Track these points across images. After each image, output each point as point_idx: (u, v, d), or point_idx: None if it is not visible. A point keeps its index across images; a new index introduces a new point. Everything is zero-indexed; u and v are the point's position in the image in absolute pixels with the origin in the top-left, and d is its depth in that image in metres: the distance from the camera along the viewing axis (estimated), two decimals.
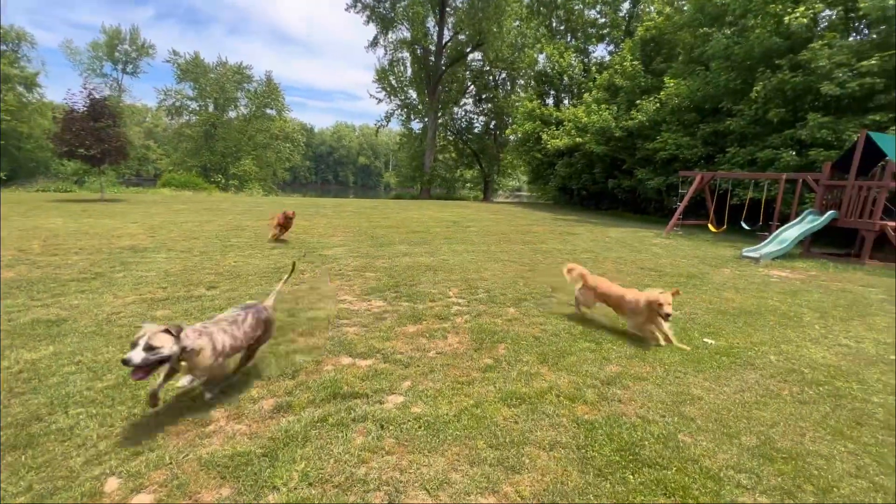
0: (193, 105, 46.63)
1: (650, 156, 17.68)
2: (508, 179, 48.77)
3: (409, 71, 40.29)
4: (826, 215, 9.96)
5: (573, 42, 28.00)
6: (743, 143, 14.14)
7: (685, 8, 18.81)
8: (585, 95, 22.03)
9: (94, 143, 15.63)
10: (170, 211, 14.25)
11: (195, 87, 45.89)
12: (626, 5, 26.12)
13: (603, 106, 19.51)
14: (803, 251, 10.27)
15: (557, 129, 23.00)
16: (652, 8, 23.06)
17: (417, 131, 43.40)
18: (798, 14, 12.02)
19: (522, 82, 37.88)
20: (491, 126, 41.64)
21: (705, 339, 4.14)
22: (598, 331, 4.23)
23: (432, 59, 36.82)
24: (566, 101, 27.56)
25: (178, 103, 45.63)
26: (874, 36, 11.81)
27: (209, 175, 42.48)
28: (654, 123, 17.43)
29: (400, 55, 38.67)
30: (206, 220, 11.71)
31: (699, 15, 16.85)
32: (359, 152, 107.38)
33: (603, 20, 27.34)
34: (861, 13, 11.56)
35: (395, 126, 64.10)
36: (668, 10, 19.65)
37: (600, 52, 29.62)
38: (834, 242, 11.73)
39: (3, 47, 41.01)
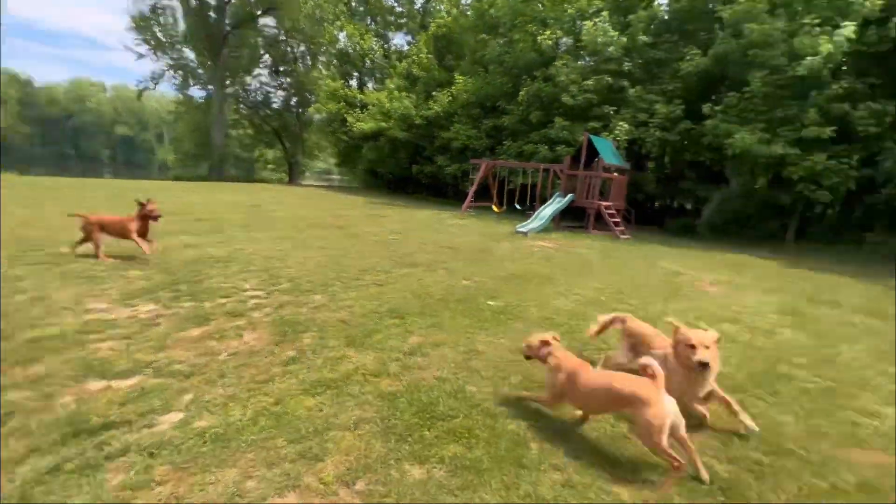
0: None
1: (446, 144, 19.56)
2: (315, 161, 46.46)
3: (183, 25, 33.43)
4: (567, 197, 13.05)
5: (373, 26, 28.19)
6: (514, 138, 17.08)
7: (468, 13, 21.21)
8: (387, 81, 22.62)
9: None
10: None
11: None
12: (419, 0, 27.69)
13: (403, 94, 20.44)
14: (555, 225, 13.22)
15: (363, 112, 23.01)
16: (441, 7, 25.12)
17: (200, 100, 36.72)
18: (545, 36, 15.08)
19: (324, 59, 36.22)
20: (292, 102, 38.59)
21: (489, 302, 4.90)
22: (405, 307, 4.49)
23: (213, 15, 31.42)
24: (370, 85, 27.73)
25: None
26: (592, 62, 15.83)
27: None
28: (448, 115, 19.28)
29: (166, 1, 31.66)
30: None
31: (479, 22, 19.28)
32: (114, 120, 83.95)
33: (400, 9, 28.35)
34: (583, 44, 15.31)
35: (168, 90, 52.34)
36: (455, 11, 21.77)
37: (398, 40, 30.80)
38: (576, 217, 15.50)
39: None
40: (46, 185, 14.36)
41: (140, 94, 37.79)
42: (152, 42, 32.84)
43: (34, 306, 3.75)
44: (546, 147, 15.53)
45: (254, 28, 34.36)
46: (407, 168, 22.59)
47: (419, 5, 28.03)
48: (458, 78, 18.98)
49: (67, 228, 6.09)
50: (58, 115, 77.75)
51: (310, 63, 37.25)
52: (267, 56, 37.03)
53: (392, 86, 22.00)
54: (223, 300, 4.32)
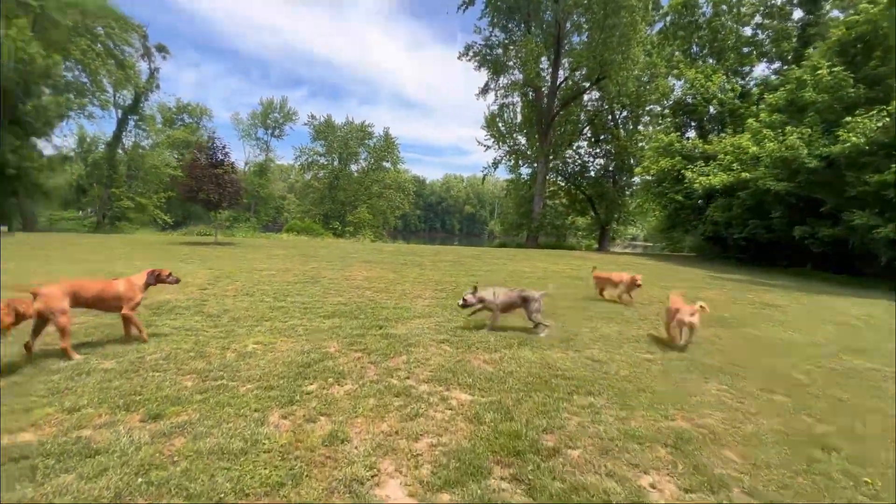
0: (322, 160, 51.46)
1: (873, 193, 12.20)
2: (629, 227, 42.93)
3: (519, 117, 38.94)
4: None
5: (719, 65, 23.33)
6: None
7: None
8: (750, 121, 17.19)
9: (213, 188, 16.14)
10: (265, 256, 13.46)
11: (325, 144, 50.77)
12: (798, 13, 20.96)
13: (787, 129, 14.57)
14: None
15: (707, 165, 18.32)
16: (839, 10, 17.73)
17: (526, 177, 41.11)
18: None
19: (648, 119, 33.53)
20: (610, 168, 37.38)
21: None
22: None
23: (545, 101, 34.94)
24: (714, 133, 22.55)
25: (310, 159, 50.84)
26: None
27: (329, 222, 45.46)
28: (880, 147, 12.09)
29: (510, 100, 37.61)
30: (285, 269, 10.22)
31: None
32: (465, 201, 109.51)
33: (762, 35, 22.37)
34: None
35: (503, 174, 62.94)
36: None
37: (759, 71, 24.19)
38: None
39: (188, 119, 50.87)
40: (415, 251, 17.54)
41: (484, 178, 46.17)
42: (496, 134, 39.67)
43: None
44: None
45: (579, 104, 36.02)
46: (782, 230, 15.83)
47: (796, 20, 21.21)
48: None
49: (410, 295, 5.38)
50: (435, 200, 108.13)
51: (631, 127, 35.53)
52: (587, 128, 37.95)
53: (757, 124, 16.47)
54: None
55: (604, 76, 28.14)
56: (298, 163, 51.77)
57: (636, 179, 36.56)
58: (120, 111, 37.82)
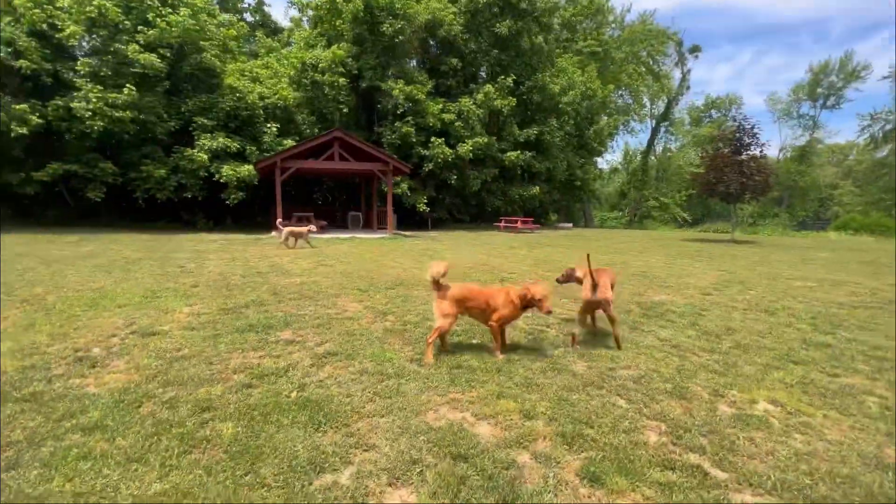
0: None
1: None
2: None
3: None
4: None
5: None
6: None
7: None
8: None
9: (734, 178, 14.08)
10: (797, 260, 10.10)
11: None
12: None
13: None
14: None
15: None
16: None
17: None
18: None
19: None
20: None
21: None
22: None
23: None
24: None
25: (885, 127, 35.47)
26: None
27: None
28: None
29: None
30: (834, 281, 6.85)
31: None
32: None
33: None
34: None
35: None
36: None
37: None
38: None
39: (716, 115, 49.15)
40: None
41: None
42: None
43: None
44: None
45: None
46: None
47: None
48: None
49: None
50: None
51: None
52: None
53: None
54: None
55: None
56: (863, 137, 37.24)
57: None
58: (654, 121, 42.26)
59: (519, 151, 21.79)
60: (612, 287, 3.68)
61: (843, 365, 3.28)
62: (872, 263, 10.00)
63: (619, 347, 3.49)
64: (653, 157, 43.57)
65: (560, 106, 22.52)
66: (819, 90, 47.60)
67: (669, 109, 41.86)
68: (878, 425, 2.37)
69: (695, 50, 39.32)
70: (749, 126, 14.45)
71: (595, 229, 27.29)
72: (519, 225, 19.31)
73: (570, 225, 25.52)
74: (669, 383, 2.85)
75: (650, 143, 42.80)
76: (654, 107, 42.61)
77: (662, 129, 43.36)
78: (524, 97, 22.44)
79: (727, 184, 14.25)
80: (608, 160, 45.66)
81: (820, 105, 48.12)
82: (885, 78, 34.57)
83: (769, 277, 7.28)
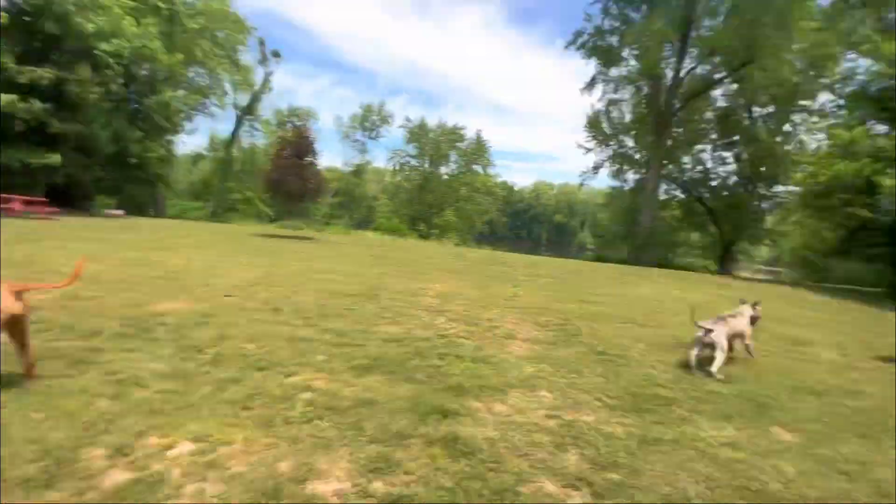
0: (413, 162, 51.73)
1: None
2: (765, 248, 35.55)
3: (629, 115, 34.35)
4: None
5: None
6: None
7: None
8: None
9: (295, 181, 15.38)
10: (335, 254, 12.05)
11: (417, 146, 50.94)
12: None
13: None
14: None
15: None
16: None
17: (631, 184, 36.13)
18: None
19: (800, 117, 26.81)
20: (743, 176, 31.03)
21: None
22: None
23: (663, 97, 30.00)
24: None
25: (402, 160, 51.44)
26: None
27: (415, 223, 45.13)
28: None
29: (620, 96, 33.23)
30: (348, 273, 8.42)
31: None
32: (555, 210, 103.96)
33: None
34: None
35: (600, 182, 56.79)
36: None
37: None
38: None
39: (298, 122, 54.37)
40: (505, 261, 15.00)
41: (581, 184, 41.77)
42: (599, 136, 35.43)
43: None
44: None
45: (705, 99, 30.45)
46: None
47: None
48: None
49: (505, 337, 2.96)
50: (523, 207, 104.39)
51: (773, 126, 28.96)
52: (715, 129, 31.96)
53: None
54: None
55: (749, 62, 22.87)
56: (391, 164, 52.61)
57: (779, 189, 29.84)
58: (238, 112, 41.31)
59: (19, 96, 14.67)
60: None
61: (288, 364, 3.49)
62: (382, 256, 13.44)
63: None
64: (237, 150, 42.66)
65: (97, 53, 16.99)
66: (367, 123, 62.88)
67: (254, 104, 42.19)
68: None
69: (276, 54, 41.57)
70: (308, 137, 16.34)
71: (164, 220, 23.04)
72: (16, 207, 12.96)
73: (123, 212, 20.15)
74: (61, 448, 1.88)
75: (234, 134, 41.68)
76: (236, 96, 41.64)
77: (247, 124, 43.20)
78: (28, 18, 15.34)
79: (289, 184, 15.42)
80: (194, 145, 40.61)
81: (368, 135, 63.61)
82: (400, 126, 50.61)
83: (300, 272, 7.97)
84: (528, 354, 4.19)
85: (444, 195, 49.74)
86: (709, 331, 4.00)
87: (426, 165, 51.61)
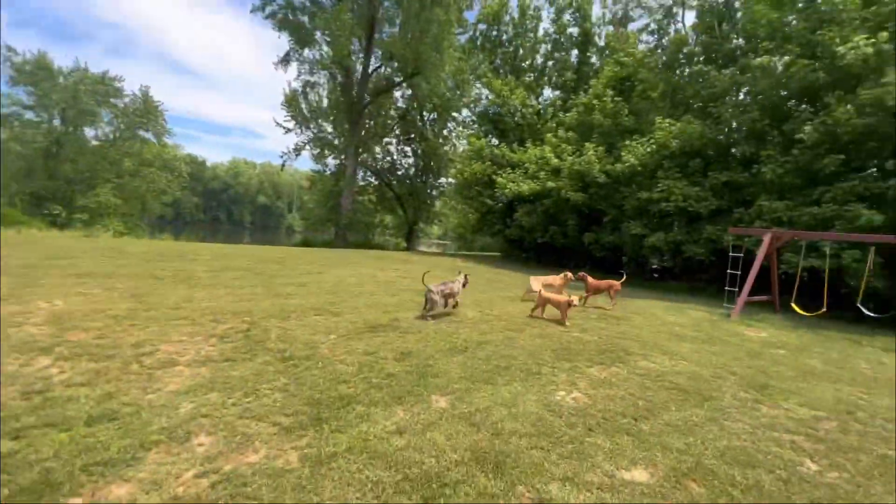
0: (31, 115, 35.65)
1: (643, 206, 14.46)
2: (435, 227, 44.81)
3: (326, 100, 35.11)
4: None
5: (519, 82, 25.62)
6: (782, 196, 11.30)
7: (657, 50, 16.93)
8: (549, 136, 18.84)
9: None
10: None
11: (35, 93, 35.28)
12: (574, 52, 24.62)
13: (588, 146, 16.03)
14: None
15: (513, 172, 19.36)
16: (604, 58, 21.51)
17: (333, 169, 37.55)
18: (861, 40, 9.66)
19: (452, 125, 34.95)
20: (418, 168, 37.68)
21: None
22: None
23: (356, 88, 32.22)
24: (516, 144, 24.57)
25: (7, 111, 34.34)
26: None
27: (43, 206, 31.37)
28: (649, 169, 14.38)
29: (316, 79, 33.45)
30: None
31: (676, 55, 14.73)
32: (258, 190, 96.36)
33: (551, 63, 25.52)
34: None
35: (304, 164, 56.79)
36: (637, 51, 17.66)
37: (548, 94, 27.53)
38: None
39: None
40: (185, 252, 12.26)
41: (283, 165, 40.02)
42: (298, 117, 34.69)
43: None
44: (865, 206, 9.52)
45: (389, 98, 34.75)
46: (575, 237, 17.73)
47: (573, 58, 24.86)
48: (662, 122, 14.23)
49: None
50: (218, 187, 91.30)
51: (437, 130, 36.50)
52: (398, 126, 37.19)
53: (555, 140, 18.13)
54: None
55: (417, 72, 27.48)
56: None
57: (442, 181, 38.16)
58: None
59: None
60: None
61: None
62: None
63: None
64: None
65: None
66: None
67: None
68: None
69: None
70: None
71: None
72: None
73: None
74: None
75: None
76: None
77: None
78: None
79: None
80: None
81: None
82: None
83: None
84: (191, 385, 3.30)
85: (95, 167, 37.12)
86: (430, 290, 6.17)
87: (55, 122, 36.78)
